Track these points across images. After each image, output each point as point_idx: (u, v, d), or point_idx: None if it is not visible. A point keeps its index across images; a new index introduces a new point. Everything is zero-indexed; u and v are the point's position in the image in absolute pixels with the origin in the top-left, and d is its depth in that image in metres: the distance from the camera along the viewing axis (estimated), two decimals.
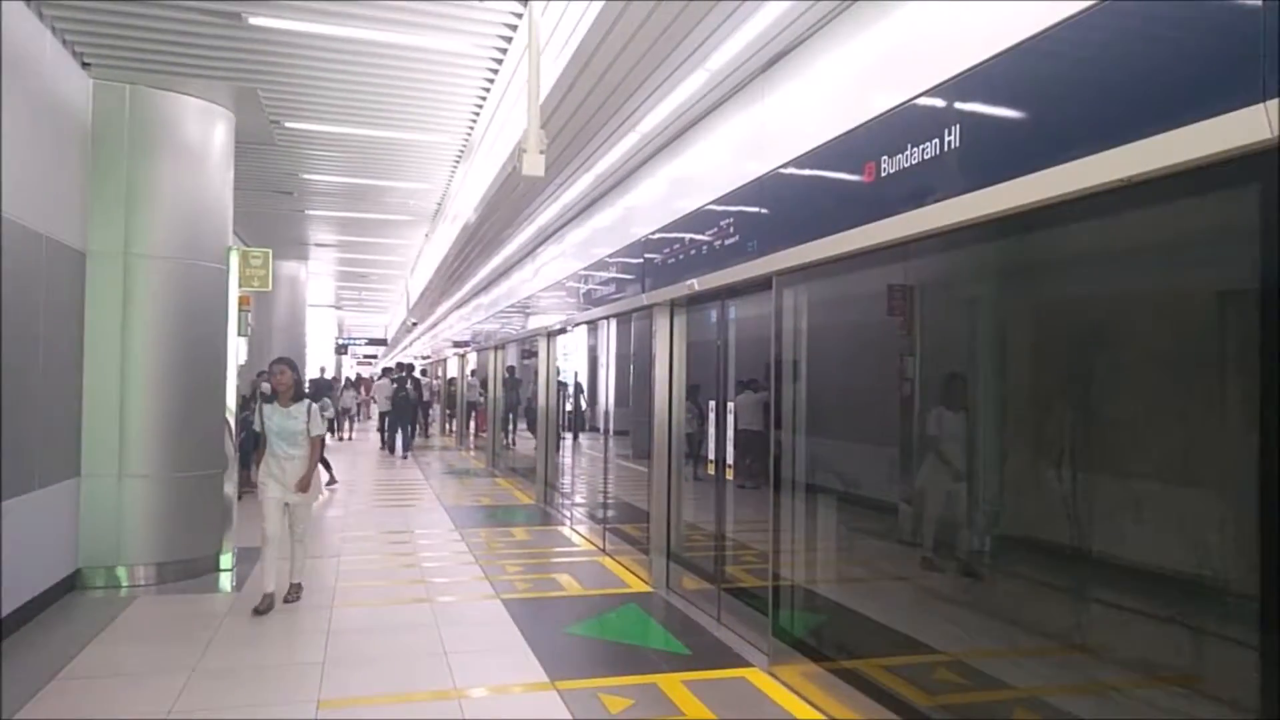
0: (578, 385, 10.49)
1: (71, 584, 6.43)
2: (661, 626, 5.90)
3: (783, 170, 4.79)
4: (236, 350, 7.60)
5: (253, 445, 11.19)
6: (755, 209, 5.15)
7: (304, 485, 6.18)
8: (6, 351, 5.23)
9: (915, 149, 3.61)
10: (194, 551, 7.07)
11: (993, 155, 3.19)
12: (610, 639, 5.63)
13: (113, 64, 6.39)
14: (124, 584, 6.66)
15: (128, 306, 6.71)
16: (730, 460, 5.74)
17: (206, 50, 6.14)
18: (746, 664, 5.10)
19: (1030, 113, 3.06)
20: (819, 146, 4.41)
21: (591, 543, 8.70)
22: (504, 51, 6.03)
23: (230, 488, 7.50)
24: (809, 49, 4.60)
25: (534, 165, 4.78)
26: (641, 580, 7.07)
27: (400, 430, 17.64)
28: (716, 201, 5.70)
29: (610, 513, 8.39)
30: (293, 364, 6.28)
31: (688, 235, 6.19)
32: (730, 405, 5.77)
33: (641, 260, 7.19)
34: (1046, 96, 2.97)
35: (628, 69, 5.01)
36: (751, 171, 5.17)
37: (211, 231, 7.31)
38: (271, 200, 11.17)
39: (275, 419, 6.13)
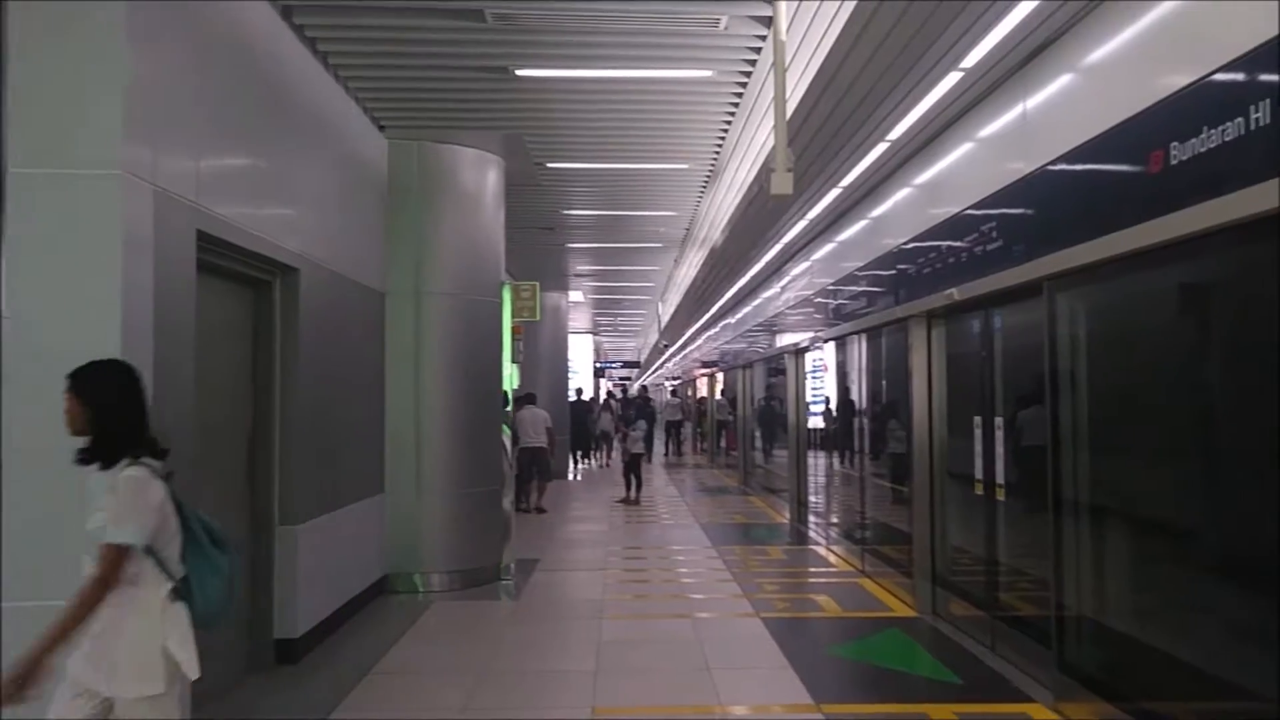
0: (828, 402, 10.31)
1: (380, 588, 7.23)
2: (929, 653, 5.63)
3: (1051, 167, 4.47)
4: (511, 376, 8.24)
5: (530, 467, 12.17)
6: (1020, 210, 4.85)
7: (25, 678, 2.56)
8: (335, 384, 6.03)
9: (1213, 131, 3.24)
10: (479, 561, 7.72)
11: None
12: (875, 663, 5.46)
13: (403, 124, 7.21)
14: (421, 589, 7.40)
15: (419, 340, 7.49)
16: (1001, 479, 5.40)
17: (480, 104, 6.76)
18: (1026, 698, 4.74)
19: None
20: (1093, 139, 4.07)
21: (849, 563, 8.50)
22: (748, 75, 6.13)
23: (508, 503, 8.13)
24: (1077, 35, 4.27)
25: (782, 184, 4.80)
26: (905, 604, 6.80)
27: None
28: (975, 206, 5.42)
29: (868, 533, 8.16)
30: (92, 380, 2.79)
31: (944, 243, 5.93)
32: (998, 421, 5.43)
33: (894, 272, 6.98)
34: None
35: (876, 76, 4.92)
36: (1014, 171, 4.87)
37: (487, 268, 8.00)
38: (535, 236, 12.02)
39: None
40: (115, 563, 2.60)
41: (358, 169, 6.74)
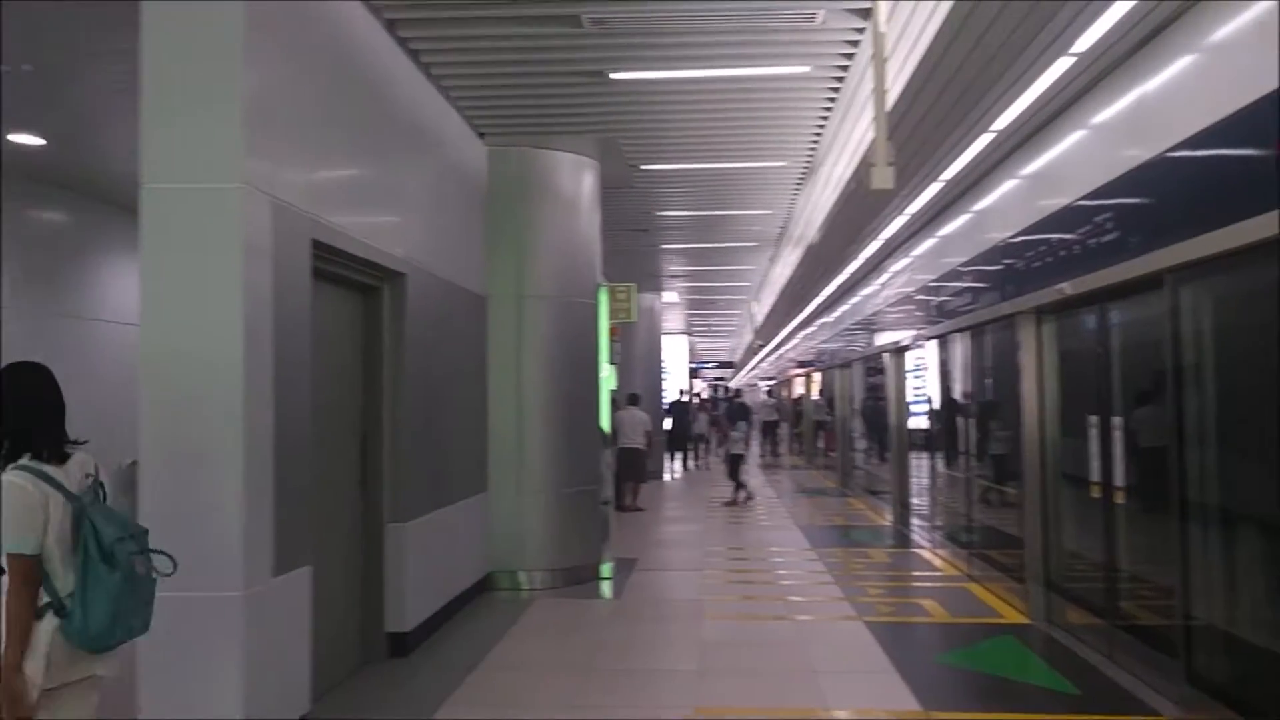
0: (931, 402, 10.05)
1: (484, 585, 7.40)
2: (1044, 661, 5.42)
3: (1172, 154, 4.24)
4: (608, 377, 8.32)
5: (629, 466, 12.25)
6: (1138, 200, 4.62)
7: None
8: (441, 385, 6.21)
9: None
10: (579, 560, 7.82)
11: None
12: (986, 671, 5.29)
13: (502, 130, 7.37)
14: (524, 587, 7.53)
15: (520, 342, 7.64)
16: (1120, 481, 5.15)
17: (576, 108, 6.85)
18: (1151, 711, 4.51)
19: None
20: (1218, 123, 3.84)
21: (956, 567, 8.25)
22: (845, 69, 6.03)
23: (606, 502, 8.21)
24: (1199, 13, 4.04)
25: (883, 178, 4.70)
26: (1016, 610, 6.56)
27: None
28: (1088, 196, 5.19)
29: (976, 536, 7.90)
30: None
31: (1054, 236, 5.70)
32: (1115, 421, 5.18)
33: (1000, 267, 6.75)
34: None
35: (981, 65, 4.77)
36: (1130, 159, 4.64)
37: (584, 271, 8.11)
38: (630, 238, 12.10)
39: None
40: (22, 570, 2.53)
41: (459, 176, 6.92)
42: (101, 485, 2.78)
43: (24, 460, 2.63)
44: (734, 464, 13.51)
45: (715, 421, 22.34)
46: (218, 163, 3.71)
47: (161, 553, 2.76)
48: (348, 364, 5.39)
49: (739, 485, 13.41)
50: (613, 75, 6.11)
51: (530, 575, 7.56)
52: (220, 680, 3.62)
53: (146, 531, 2.78)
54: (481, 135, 7.45)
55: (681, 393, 20.71)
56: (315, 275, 4.44)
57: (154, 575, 2.74)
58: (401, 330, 5.68)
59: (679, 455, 20.06)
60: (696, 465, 20.63)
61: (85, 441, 2.86)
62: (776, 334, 24.74)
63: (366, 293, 5.54)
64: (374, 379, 5.60)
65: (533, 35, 5.48)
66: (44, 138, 7.45)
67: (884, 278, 11.51)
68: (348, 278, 5.15)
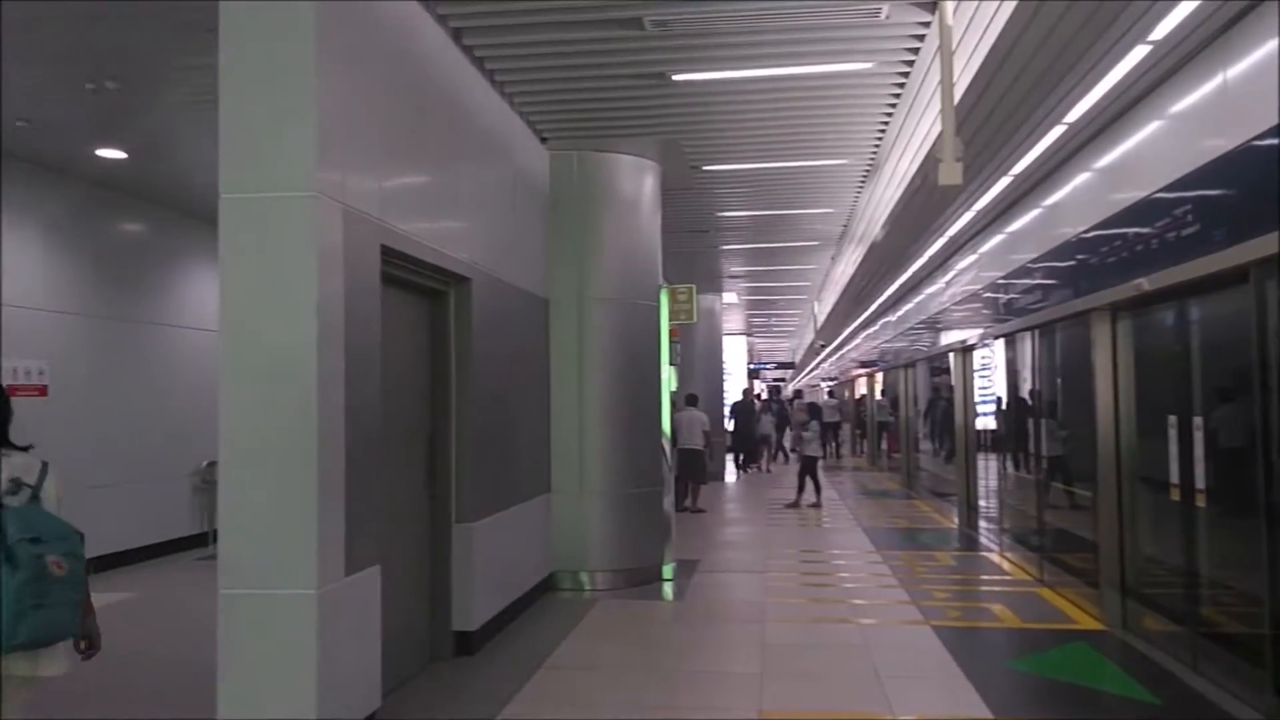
0: (1000, 402, 9.82)
1: (547, 585, 7.47)
2: (1120, 670, 5.26)
3: (1259, 143, 4.08)
4: (668, 378, 8.32)
5: (688, 467, 12.21)
6: (1220, 191, 4.45)
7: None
8: (504, 387, 6.29)
9: None
10: (641, 561, 7.83)
11: None
12: (1060, 679, 5.15)
13: (564, 134, 7.43)
14: (586, 587, 7.58)
15: (582, 344, 7.69)
16: (1201, 483, 4.97)
17: (637, 111, 6.87)
18: None
19: None
20: None
21: (1026, 571, 8.05)
22: (910, 64, 5.93)
23: (668, 504, 8.21)
24: None
25: (951, 174, 4.62)
26: (1090, 616, 6.38)
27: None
28: (1167, 188, 5.02)
29: (1046, 540, 7.70)
30: None
31: (1130, 230, 5.53)
32: (1197, 421, 5.00)
33: (1072, 263, 6.57)
34: None
35: (1053, 56, 4.65)
36: (1212, 149, 4.47)
37: (645, 273, 8.12)
38: (690, 239, 12.09)
39: None
40: None
41: (522, 180, 6.99)
42: (32, 488, 2.83)
43: None
44: (807, 466, 13.22)
45: (784, 422, 21.79)
46: (292, 172, 3.81)
47: (78, 557, 2.79)
48: (415, 367, 5.49)
49: (816, 488, 13.08)
50: (675, 77, 6.11)
51: (593, 576, 7.60)
52: (294, 677, 3.70)
53: (78, 535, 2.82)
54: (544, 140, 7.52)
55: (744, 393, 20.13)
56: (384, 280, 4.53)
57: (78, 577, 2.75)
58: (467, 333, 5.77)
59: (743, 457, 19.32)
60: (761, 469, 19.78)
61: (28, 447, 2.95)
62: (838, 334, 24.46)
63: (433, 297, 5.64)
64: (440, 381, 5.70)
65: (595, 39, 5.52)
66: (126, 151, 7.76)
67: (949, 275, 11.29)
68: (415, 282, 5.25)
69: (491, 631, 5.98)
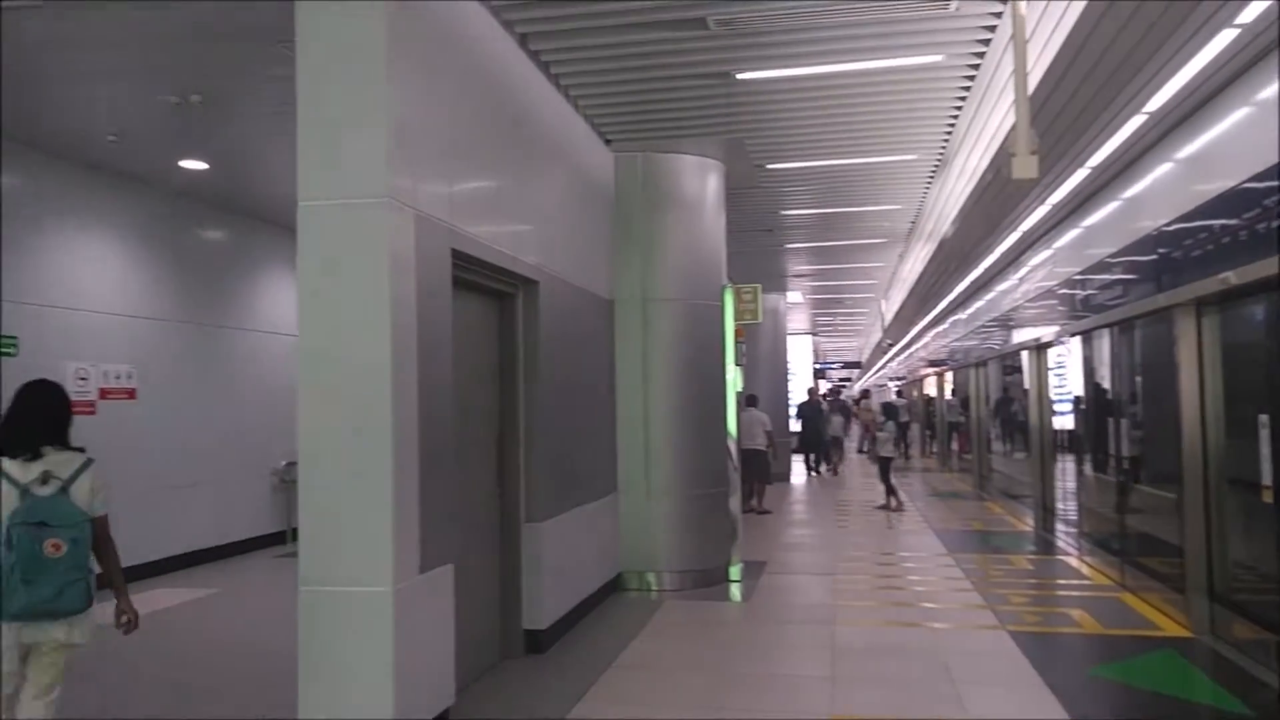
0: (1077, 402, 9.53)
1: (614, 585, 7.50)
2: (1210, 679, 5.06)
3: None
4: (734, 379, 8.27)
5: (751, 468, 12.11)
6: None
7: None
8: (571, 388, 6.34)
9: None
10: (708, 562, 7.81)
11: None
12: (1145, 688, 4.97)
13: (628, 136, 7.46)
14: (653, 588, 7.59)
15: (647, 345, 7.71)
16: None
17: (702, 110, 6.86)
18: None
19: None
20: None
21: (1106, 576, 7.80)
22: (980, 56, 5.80)
23: (735, 505, 8.17)
24: None
25: (1025, 167, 4.50)
26: (1176, 623, 6.14)
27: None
28: (1256, 178, 4.81)
29: (1130, 543, 7.44)
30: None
31: (1216, 222, 5.31)
32: None
33: (1154, 257, 6.34)
34: None
35: (1133, 42, 4.49)
36: None
37: (710, 273, 8.10)
38: (754, 238, 12.03)
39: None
40: None
41: (587, 183, 7.04)
42: (62, 481, 3.30)
43: None
44: (884, 467, 12.95)
45: (852, 420, 21.18)
46: (365, 178, 3.90)
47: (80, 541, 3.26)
48: (484, 368, 5.57)
49: (890, 490, 12.80)
50: (739, 76, 6.09)
51: (660, 576, 7.61)
52: (372, 672, 3.79)
53: (87, 522, 3.29)
54: (608, 142, 7.56)
55: (811, 392, 19.69)
56: (454, 283, 4.61)
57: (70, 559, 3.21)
58: (534, 335, 5.83)
59: (812, 458, 18.77)
60: (830, 471, 19.16)
61: (80, 449, 3.44)
62: (906, 332, 24.04)
63: (501, 299, 5.72)
64: (509, 382, 5.78)
65: (659, 40, 5.53)
66: (207, 162, 8.04)
67: (1022, 271, 11.00)
68: (484, 285, 5.33)
69: (561, 630, 6.04)
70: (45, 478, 3.28)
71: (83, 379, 7.86)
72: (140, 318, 8.72)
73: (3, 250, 7.24)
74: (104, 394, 8.15)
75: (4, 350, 7.21)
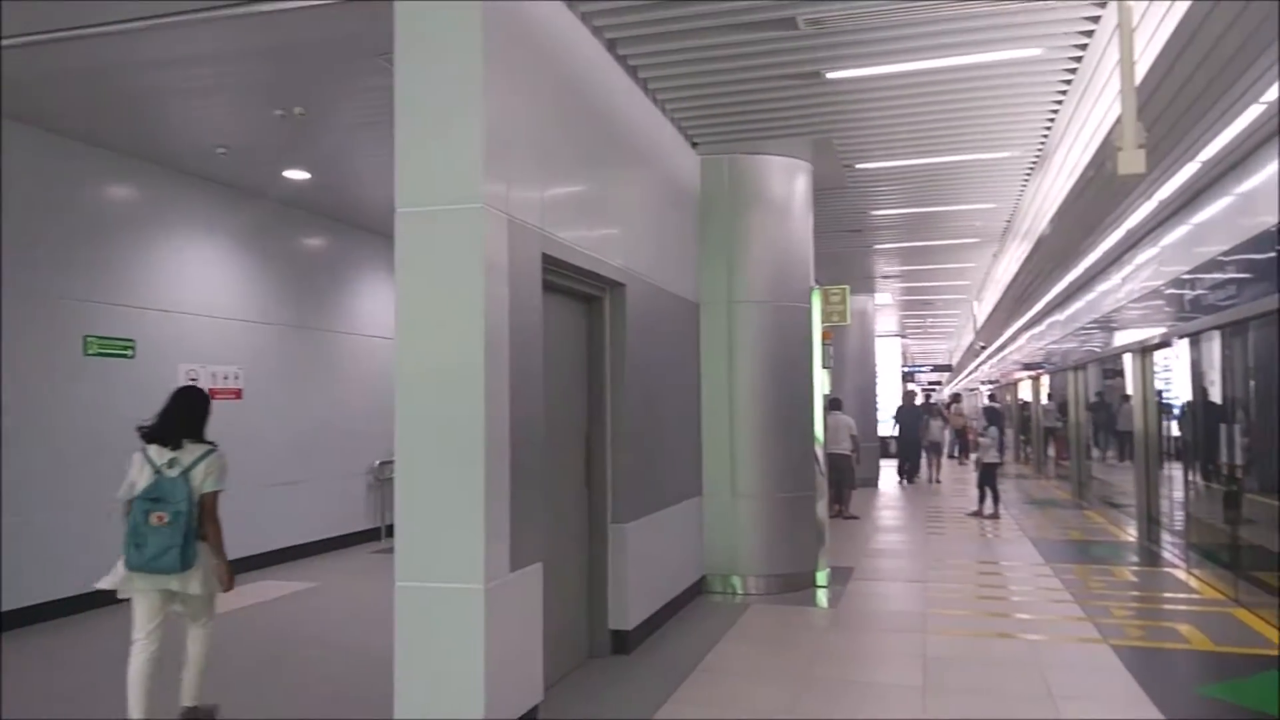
0: (1186, 407, 9.09)
1: (699, 588, 7.49)
2: None
3: None
4: (821, 382, 8.17)
5: (836, 472, 11.93)
6: None
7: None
8: (657, 390, 6.37)
9: None
10: (794, 567, 7.73)
11: None
12: (1259, 710, 4.71)
13: (715, 139, 7.45)
14: (738, 592, 7.55)
15: (732, 348, 7.67)
16: None
17: (789, 111, 6.80)
18: None
19: None
20: None
21: (1217, 590, 7.41)
22: (1082, 47, 5.59)
23: (822, 509, 8.06)
24: None
25: (1132, 162, 4.31)
26: None
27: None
28: None
29: (1244, 557, 7.06)
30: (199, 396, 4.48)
31: None
32: None
33: (1272, 255, 5.99)
34: None
35: (1250, 28, 4.26)
36: None
37: (797, 275, 8.02)
38: (841, 239, 11.85)
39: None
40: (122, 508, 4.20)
41: (673, 186, 7.06)
42: (185, 467, 4.13)
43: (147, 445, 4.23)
44: (986, 473, 12.55)
45: (952, 425, 20.45)
46: (460, 185, 3.99)
47: (181, 514, 4.05)
48: (572, 370, 5.64)
49: (994, 497, 12.40)
50: (829, 75, 6.01)
51: (745, 580, 7.56)
52: (464, 666, 3.87)
53: (189, 501, 4.07)
54: (695, 144, 7.56)
55: (905, 395, 19.10)
56: (544, 287, 4.68)
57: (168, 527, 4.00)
58: (621, 337, 5.88)
59: (906, 466, 17.83)
60: (933, 479, 18.18)
61: (212, 444, 4.30)
62: (999, 335, 23.30)
63: (589, 302, 5.78)
64: (596, 384, 5.83)
65: (748, 41, 5.50)
66: (309, 171, 8.37)
67: (1125, 271, 10.55)
68: (573, 288, 5.40)
69: (646, 631, 6.06)
70: (172, 462, 4.15)
71: (193, 379, 8.27)
72: (246, 321, 9.12)
73: (122, 259, 7.70)
74: (212, 394, 8.43)
75: (123, 352, 7.65)
